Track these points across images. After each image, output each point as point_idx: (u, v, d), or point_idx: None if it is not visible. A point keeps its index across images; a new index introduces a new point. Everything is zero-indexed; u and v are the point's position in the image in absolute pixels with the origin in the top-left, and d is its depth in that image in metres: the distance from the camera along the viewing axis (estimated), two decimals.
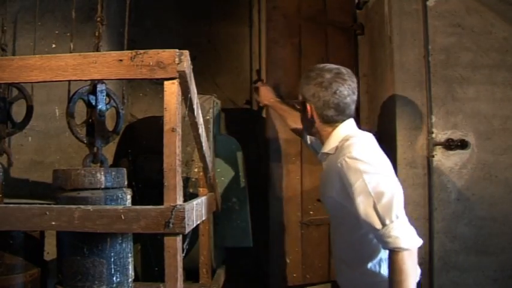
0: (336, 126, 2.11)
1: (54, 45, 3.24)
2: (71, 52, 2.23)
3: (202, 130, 2.00)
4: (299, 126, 2.45)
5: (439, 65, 3.14)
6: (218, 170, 2.85)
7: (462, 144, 3.08)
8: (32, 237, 2.02)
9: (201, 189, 2.48)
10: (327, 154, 2.13)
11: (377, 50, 3.57)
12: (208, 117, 2.81)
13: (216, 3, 3.98)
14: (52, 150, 3.24)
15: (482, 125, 3.12)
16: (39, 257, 2.10)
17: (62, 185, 1.80)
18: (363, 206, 1.86)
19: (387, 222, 1.82)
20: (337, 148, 2.06)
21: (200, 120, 1.95)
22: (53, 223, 1.56)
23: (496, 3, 3.15)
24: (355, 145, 1.99)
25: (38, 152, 3.24)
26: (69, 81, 1.92)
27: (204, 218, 2.02)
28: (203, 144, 2.07)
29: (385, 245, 1.84)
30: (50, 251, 2.11)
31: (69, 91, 2.13)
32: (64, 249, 1.81)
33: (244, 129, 3.75)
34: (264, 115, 3.65)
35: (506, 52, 3.15)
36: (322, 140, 2.17)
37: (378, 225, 1.83)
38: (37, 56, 1.58)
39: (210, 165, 2.32)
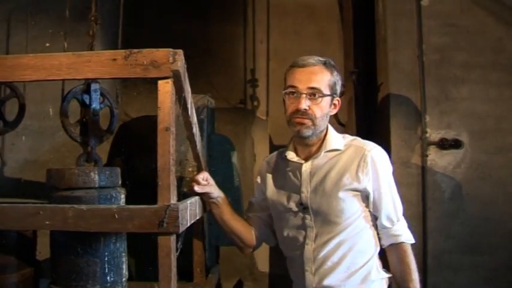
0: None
1: (48, 44, 3.23)
2: (64, 51, 2.22)
3: (196, 129, 1.99)
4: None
5: (433, 64, 3.15)
6: (212, 169, 2.84)
7: (456, 144, 3.09)
8: (25, 236, 2.01)
9: None
10: (333, 151, 2.03)
11: None
12: (202, 117, 2.80)
13: (211, 3, 3.97)
14: (46, 150, 3.23)
15: (476, 125, 3.12)
16: (32, 257, 2.09)
17: (56, 184, 1.79)
18: (390, 198, 2.02)
19: (400, 219, 2.05)
20: (345, 145, 2.05)
21: (194, 119, 1.95)
22: (47, 222, 1.54)
23: (490, 3, 3.16)
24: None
25: (32, 151, 3.23)
26: (63, 80, 1.91)
27: (198, 217, 2.02)
28: (197, 143, 2.06)
29: (397, 238, 2.02)
30: (42, 250, 2.10)
31: (63, 90, 2.12)
32: (58, 249, 1.80)
33: (238, 128, 3.75)
34: (258, 114, 3.65)
35: (500, 52, 3.15)
36: (316, 140, 2.05)
37: (395, 219, 2.03)
38: (31, 54, 1.57)
39: (203, 164, 2.32)
